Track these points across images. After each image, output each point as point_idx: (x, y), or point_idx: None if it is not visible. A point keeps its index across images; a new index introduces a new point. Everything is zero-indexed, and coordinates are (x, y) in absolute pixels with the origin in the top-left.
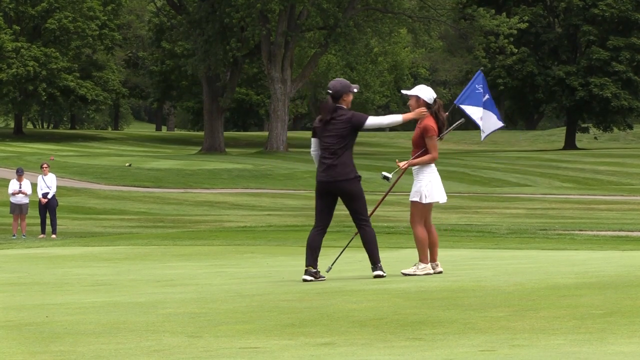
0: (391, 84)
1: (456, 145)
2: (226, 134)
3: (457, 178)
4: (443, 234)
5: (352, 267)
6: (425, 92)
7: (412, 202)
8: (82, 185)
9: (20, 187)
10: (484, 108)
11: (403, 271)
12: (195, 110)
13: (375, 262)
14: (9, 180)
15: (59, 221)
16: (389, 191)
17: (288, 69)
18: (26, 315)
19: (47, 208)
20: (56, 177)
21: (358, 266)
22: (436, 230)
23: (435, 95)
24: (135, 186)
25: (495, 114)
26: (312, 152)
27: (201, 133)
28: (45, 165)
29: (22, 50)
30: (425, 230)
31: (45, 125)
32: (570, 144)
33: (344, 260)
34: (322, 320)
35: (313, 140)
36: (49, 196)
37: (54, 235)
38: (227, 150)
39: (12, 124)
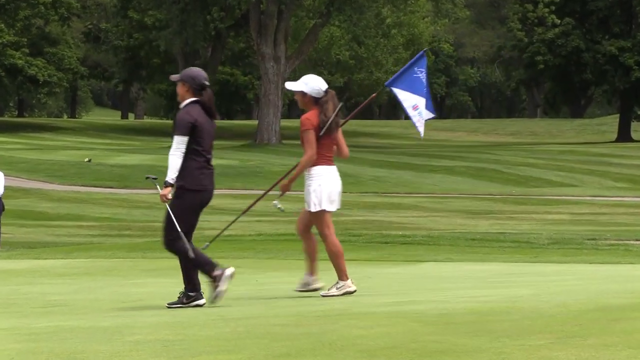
0: (407, 63)
1: (486, 137)
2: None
3: (487, 177)
4: (470, 244)
5: (360, 284)
6: (311, 86)
7: (309, 212)
8: (31, 184)
9: None
10: (424, 97)
11: (322, 293)
12: (169, 94)
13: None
14: None
15: (3, 229)
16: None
17: (282, 44)
18: None
19: None
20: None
21: (367, 284)
22: (436, 239)
23: (324, 87)
24: (96, 186)
25: (429, 102)
26: (182, 154)
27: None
28: None
29: None
30: (337, 242)
31: None
32: (624, 136)
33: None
34: (322, 349)
35: (186, 139)
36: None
37: None
38: None
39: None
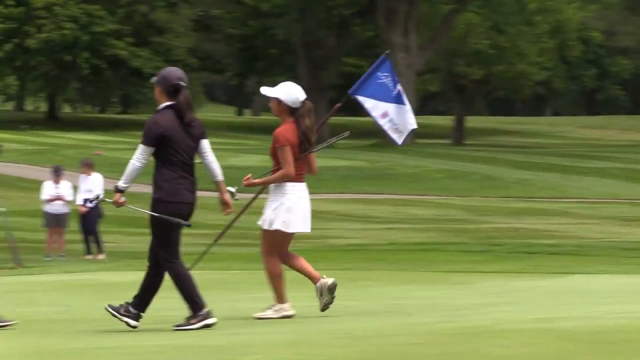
0: (554, 53)
1: (602, 132)
2: (331, 119)
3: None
4: (625, 255)
5: (502, 298)
6: (288, 93)
7: (261, 229)
8: (138, 188)
9: (57, 192)
10: (396, 103)
11: (255, 315)
12: None
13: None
14: (41, 183)
15: (108, 237)
16: (239, 215)
17: (413, 33)
18: None
19: (87, 220)
20: (103, 177)
21: (510, 298)
22: (587, 249)
23: (302, 97)
24: (207, 190)
25: (409, 111)
26: (142, 163)
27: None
28: (88, 163)
29: (56, 7)
30: (277, 263)
31: (87, 109)
32: None
33: (491, 290)
34: None
35: (151, 150)
36: (91, 204)
37: (101, 256)
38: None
39: (43, 107)
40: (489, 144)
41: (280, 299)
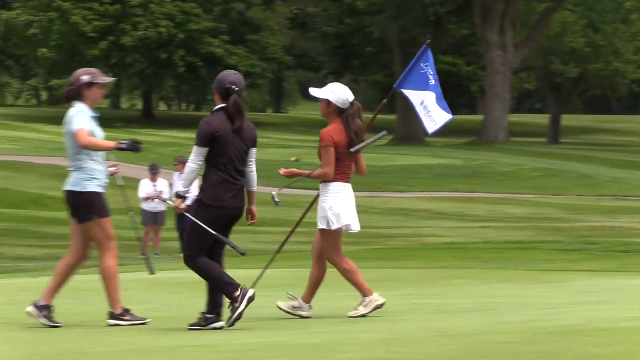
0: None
1: None
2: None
3: None
4: None
5: (597, 297)
6: (337, 95)
7: (320, 230)
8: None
9: (155, 189)
10: (432, 91)
11: (350, 314)
12: (384, 86)
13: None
14: (138, 181)
15: None
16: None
17: (509, 31)
18: None
19: (183, 218)
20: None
21: (605, 297)
22: None
23: (350, 98)
24: (303, 189)
25: (443, 103)
26: (198, 165)
27: (393, 117)
28: (183, 160)
29: (152, 5)
30: (345, 259)
31: (182, 107)
32: None
33: (586, 289)
34: None
35: (204, 150)
36: (188, 202)
37: None
38: (427, 140)
39: (139, 105)
40: (585, 143)
41: (365, 292)
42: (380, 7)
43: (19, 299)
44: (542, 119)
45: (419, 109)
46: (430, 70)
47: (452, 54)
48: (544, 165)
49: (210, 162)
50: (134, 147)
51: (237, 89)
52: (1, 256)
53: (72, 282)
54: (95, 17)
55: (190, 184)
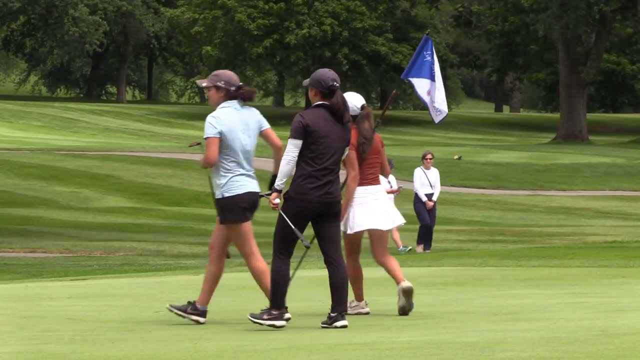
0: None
1: None
2: (590, 116)
3: None
4: None
5: None
6: (350, 101)
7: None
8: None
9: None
10: (433, 80)
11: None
12: (548, 85)
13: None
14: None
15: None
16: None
17: None
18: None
19: (429, 214)
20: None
21: None
22: None
23: (360, 103)
24: (466, 186)
25: (439, 92)
26: (292, 158)
27: (556, 115)
28: (429, 157)
29: (316, 3)
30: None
31: None
32: None
33: None
34: None
35: (298, 142)
36: (434, 198)
37: (419, 248)
38: (591, 138)
39: (302, 103)
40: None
41: (359, 296)
42: (544, 4)
43: (178, 295)
44: None
45: (426, 99)
46: (431, 59)
47: (617, 52)
48: None
49: (301, 156)
50: None
51: (338, 84)
52: (162, 253)
53: (229, 280)
54: (260, 15)
55: (286, 177)
